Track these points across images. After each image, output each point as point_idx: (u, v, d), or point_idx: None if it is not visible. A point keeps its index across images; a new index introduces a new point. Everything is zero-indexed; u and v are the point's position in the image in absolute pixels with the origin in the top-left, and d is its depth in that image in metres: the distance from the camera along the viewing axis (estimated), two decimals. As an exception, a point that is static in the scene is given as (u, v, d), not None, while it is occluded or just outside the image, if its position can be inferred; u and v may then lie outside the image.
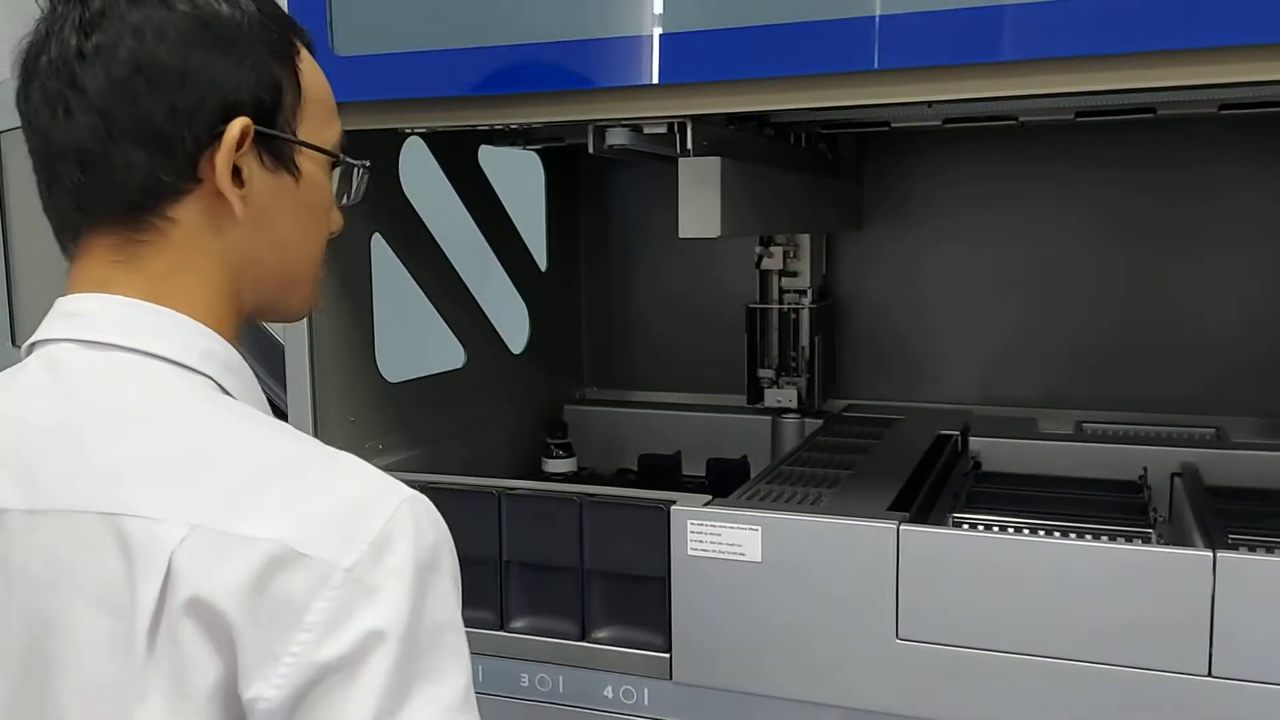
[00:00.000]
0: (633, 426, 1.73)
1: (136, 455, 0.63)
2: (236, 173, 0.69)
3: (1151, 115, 1.32)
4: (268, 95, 0.71)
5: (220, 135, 0.68)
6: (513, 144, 1.62)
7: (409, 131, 1.35)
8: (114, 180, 0.67)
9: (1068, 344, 1.61)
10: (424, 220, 1.47)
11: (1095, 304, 1.59)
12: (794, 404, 1.64)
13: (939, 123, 1.38)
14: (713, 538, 1.04)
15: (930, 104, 1.19)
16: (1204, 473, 1.28)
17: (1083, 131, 1.49)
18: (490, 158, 1.63)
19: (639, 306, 1.86)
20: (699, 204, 1.06)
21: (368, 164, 0.82)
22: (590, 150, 1.11)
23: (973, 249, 1.65)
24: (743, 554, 1.03)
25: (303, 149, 0.74)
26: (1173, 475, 1.29)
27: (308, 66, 0.75)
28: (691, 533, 1.05)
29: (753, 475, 1.29)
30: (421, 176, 1.48)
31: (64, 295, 0.71)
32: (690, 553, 1.05)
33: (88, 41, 0.66)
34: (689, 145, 1.06)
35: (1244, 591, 0.90)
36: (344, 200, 0.81)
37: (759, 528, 1.03)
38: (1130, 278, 1.57)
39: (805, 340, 1.64)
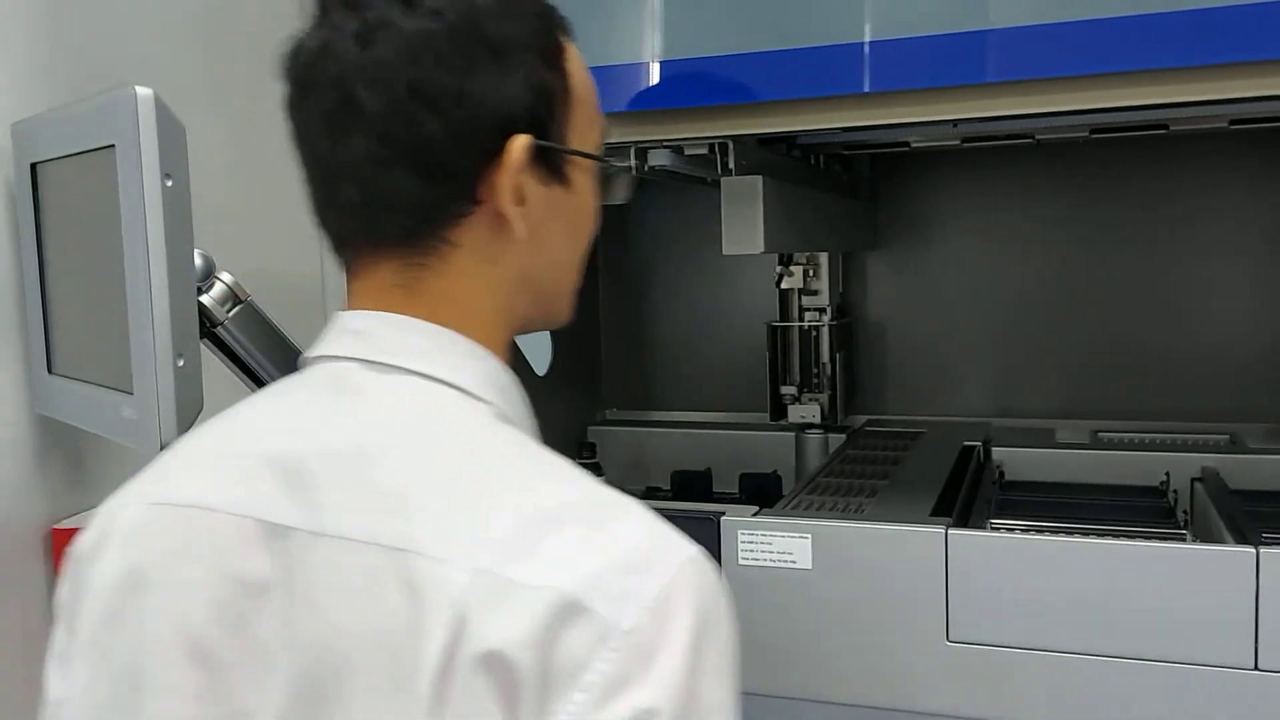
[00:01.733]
0: (657, 445, 1.75)
1: (422, 487, 0.60)
2: (515, 191, 0.66)
3: (1164, 131, 1.36)
4: (542, 105, 0.67)
5: (498, 153, 0.64)
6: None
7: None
8: (393, 205, 0.64)
9: (1081, 356, 1.65)
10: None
11: (1107, 316, 1.63)
12: (817, 419, 1.66)
13: (958, 142, 1.42)
14: (764, 547, 1.06)
15: (955, 123, 1.23)
16: (1224, 477, 1.31)
17: (1095, 148, 1.54)
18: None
19: (657, 327, 1.88)
20: (742, 222, 1.09)
21: (631, 166, 0.77)
22: (633, 173, 1.14)
23: (985, 265, 1.70)
24: (794, 562, 1.05)
25: (572, 157, 0.70)
26: (1193, 480, 1.32)
27: (574, 65, 0.70)
28: (742, 542, 1.07)
29: (784, 489, 1.32)
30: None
31: (345, 310, 0.69)
32: (741, 562, 1.07)
33: (365, 55, 0.63)
34: (730, 165, 1.10)
35: (1285, 586, 0.93)
36: (604, 203, 0.78)
37: (809, 535, 1.05)
38: (1140, 290, 1.62)
39: (826, 357, 1.68)
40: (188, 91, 1.15)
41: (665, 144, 1.10)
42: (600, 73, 1.09)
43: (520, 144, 0.65)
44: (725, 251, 1.10)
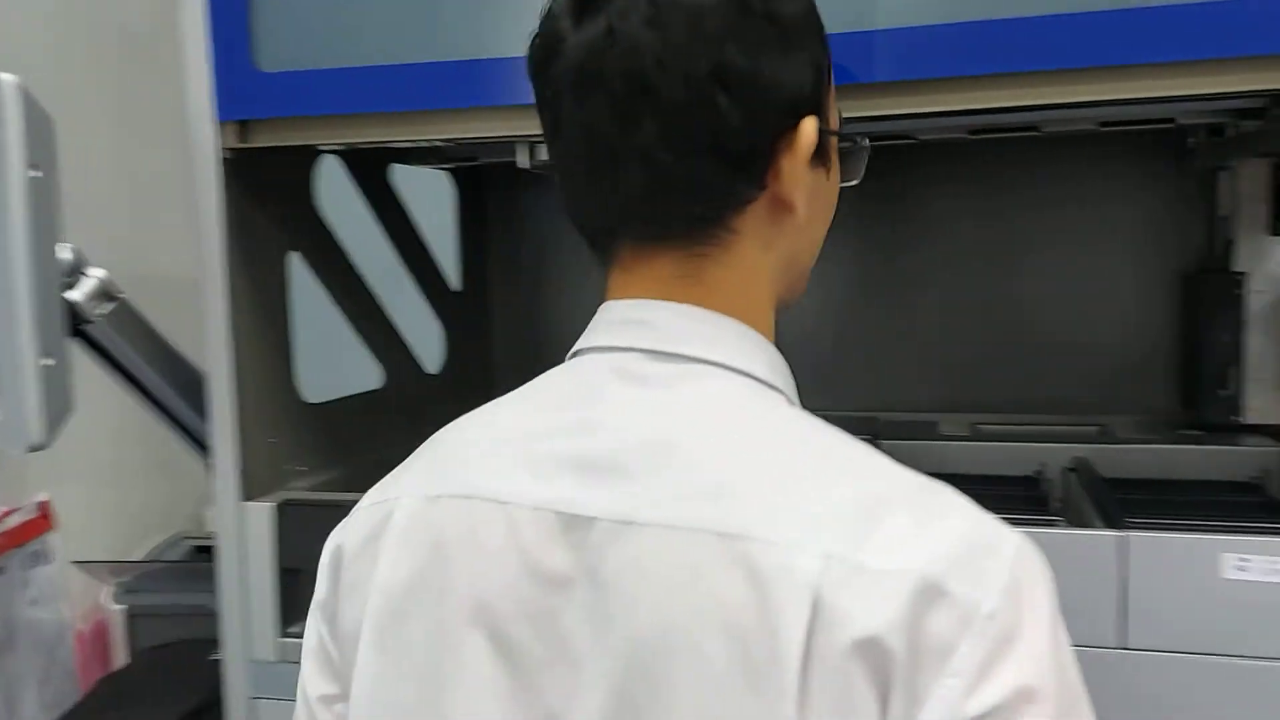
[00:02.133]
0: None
1: (742, 474, 0.58)
2: (803, 175, 0.65)
3: (1037, 133, 1.41)
4: (820, 87, 0.66)
5: (786, 137, 0.64)
6: (424, 162, 1.63)
7: (326, 149, 1.35)
8: (682, 191, 0.63)
9: (961, 350, 1.70)
10: (339, 239, 1.46)
11: (983, 313, 1.69)
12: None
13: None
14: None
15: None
16: (1095, 466, 1.37)
17: (977, 147, 1.58)
18: (399, 177, 1.63)
19: (553, 324, 1.87)
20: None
21: (869, 143, 0.75)
22: (522, 165, 1.13)
23: (863, 260, 1.73)
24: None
25: (831, 137, 0.68)
26: (1065, 469, 1.38)
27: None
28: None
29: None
30: (333, 195, 1.47)
31: (612, 300, 0.67)
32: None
33: (658, 39, 0.60)
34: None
35: (1149, 568, 0.98)
36: (844, 182, 0.74)
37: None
38: (1014, 287, 1.67)
39: (718, 352, 1.69)
40: (67, 85, 1.10)
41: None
42: (479, 66, 1.09)
43: (811, 126, 0.64)
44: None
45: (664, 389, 0.63)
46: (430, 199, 1.75)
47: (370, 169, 1.56)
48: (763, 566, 0.54)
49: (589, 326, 0.68)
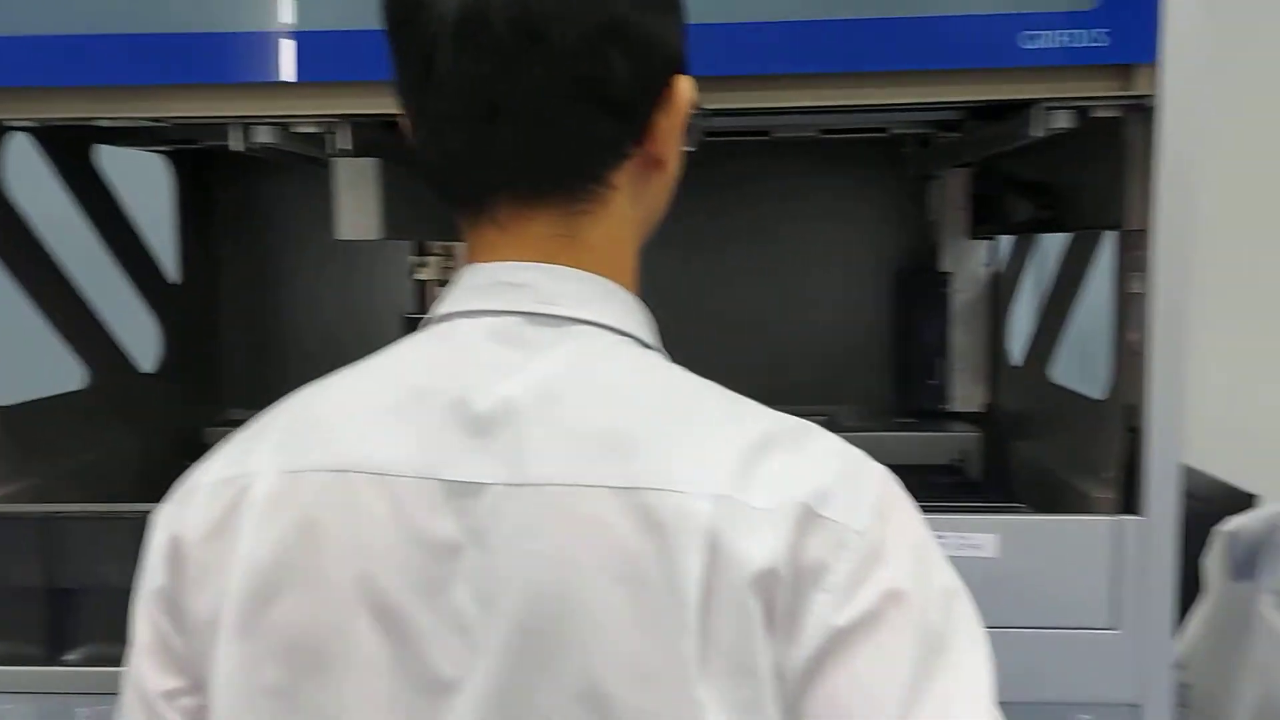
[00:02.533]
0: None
1: (630, 427, 0.60)
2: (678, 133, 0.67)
3: (766, 138, 1.47)
4: (685, 49, 0.68)
5: (664, 95, 0.65)
6: (135, 144, 1.50)
7: (15, 125, 1.21)
8: (568, 144, 0.63)
9: (689, 347, 1.73)
10: (33, 225, 1.32)
11: (714, 309, 1.74)
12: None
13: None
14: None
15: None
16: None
17: (702, 150, 1.63)
18: (109, 161, 1.50)
19: (288, 319, 1.78)
20: (356, 205, 1.05)
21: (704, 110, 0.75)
22: (235, 148, 1.06)
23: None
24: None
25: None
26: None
27: None
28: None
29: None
30: (29, 178, 1.33)
31: (481, 263, 0.66)
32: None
33: None
34: (343, 146, 1.05)
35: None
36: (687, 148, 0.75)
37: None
38: (743, 285, 1.73)
39: (461, 349, 1.66)
40: None
41: (268, 120, 1.04)
42: (191, 40, 1.02)
43: (687, 85, 0.66)
44: (338, 236, 1.05)
45: (545, 350, 0.63)
46: (148, 185, 1.62)
47: (71, 150, 1.42)
48: (659, 514, 0.57)
49: (452, 290, 0.67)
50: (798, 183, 1.71)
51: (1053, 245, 1.47)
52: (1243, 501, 1.24)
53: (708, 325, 1.74)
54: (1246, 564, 1.13)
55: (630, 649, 0.56)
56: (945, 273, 1.61)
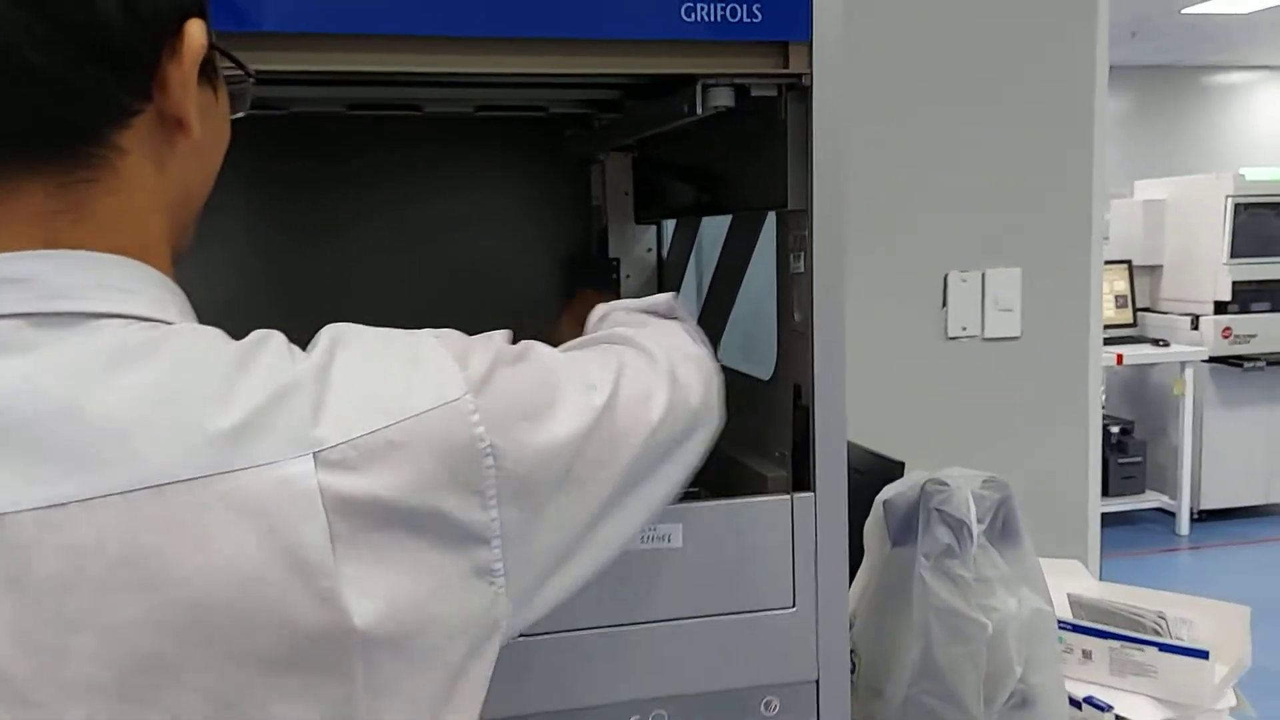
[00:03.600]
0: None
1: (164, 417, 0.54)
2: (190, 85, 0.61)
3: (418, 113, 1.36)
4: None
5: (172, 44, 0.59)
6: None
7: None
8: (54, 98, 0.56)
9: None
10: None
11: (376, 295, 1.61)
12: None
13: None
14: None
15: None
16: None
17: (353, 123, 1.49)
18: None
19: None
20: None
21: (254, 72, 0.70)
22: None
23: (263, 251, 1.57)
24: None
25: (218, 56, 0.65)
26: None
27: None
28: None
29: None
30: None
31: None
32: None
33: None
34: None
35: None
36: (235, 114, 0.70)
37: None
38: (401, 273, 1.60)
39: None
40: None
41: None
42: None
43: (198, 29, 0.60)
44: None
45: (47, 352, 0.54)
46: None
47: None
48: (258, 494, 0.53)
49: None
50: (459, 165, 1.61)
51: (718, 228, 1.48)
52: (895, 470, 1.30)
53: (370, 311, 1.60)
54: (904, 530, 1.18)
55: (214, 683, 0.54)
56: (614, 259, 1.58)
